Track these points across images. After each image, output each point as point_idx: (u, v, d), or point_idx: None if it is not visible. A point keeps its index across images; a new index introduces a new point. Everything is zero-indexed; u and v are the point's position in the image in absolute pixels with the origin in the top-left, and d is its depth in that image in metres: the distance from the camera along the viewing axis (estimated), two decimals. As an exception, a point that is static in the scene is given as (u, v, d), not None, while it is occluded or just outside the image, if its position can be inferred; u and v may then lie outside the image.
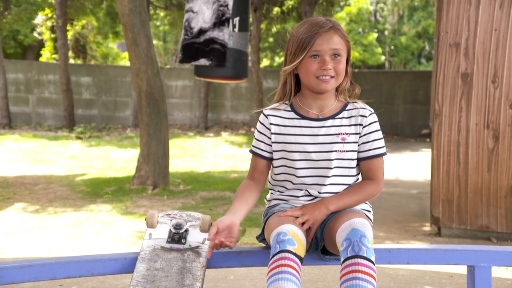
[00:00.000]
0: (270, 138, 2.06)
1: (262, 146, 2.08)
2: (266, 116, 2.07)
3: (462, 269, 3.06)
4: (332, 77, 1.98)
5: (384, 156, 2.05)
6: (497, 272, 3.65)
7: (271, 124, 2.06)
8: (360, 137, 2.02)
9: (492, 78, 4.65)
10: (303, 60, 1.98)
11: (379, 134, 2.04)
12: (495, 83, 4.64)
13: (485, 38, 4.64)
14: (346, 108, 2.04)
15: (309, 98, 2.05)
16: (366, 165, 2.04)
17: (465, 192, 4.80)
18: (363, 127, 2.01)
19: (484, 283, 2.10)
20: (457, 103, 4.77)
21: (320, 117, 2.02)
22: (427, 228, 5.33)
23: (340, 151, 2.00)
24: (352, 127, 2.02)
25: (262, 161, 2.09)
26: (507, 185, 4.68)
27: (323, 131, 2.01)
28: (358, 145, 2.02)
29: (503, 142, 4.67)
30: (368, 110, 2.03)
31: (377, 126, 2.04)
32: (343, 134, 2.01)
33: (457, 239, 4.87)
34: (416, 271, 3.44)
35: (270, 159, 2.09)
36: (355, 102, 2.05)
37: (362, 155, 2.03)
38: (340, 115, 2.03)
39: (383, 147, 2.05)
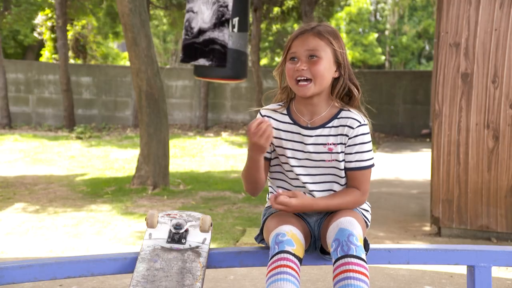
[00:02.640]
0: None
1: None
2: (262, 116, 2.08)
3: (462, 269, 3.06)
4: (309, 79, 1.95)
5: (371, 168, 2.01)
6: (497, 272, 3.65)
7: None
8: (345, 147, 1.99)
9: (492, 78, 4.65)
10: (285, 64, 2.01)
11: (366, 147, 1.99)
12: (495, 83, 4.64)
13: (485, 38, 4.64)
14: (338, 116, 2.00)
15: (301, 104, 2.04)
16: (350, 175, 2.01)
17: (465, 192, 4.80)
18: (349, 138, 1.97)
19: (484, 283, 2.10)
20: (457, 103, 4.77)
21: (309, 125, 2.01)
22: (427, 228, 5.33)
23: (329, 160, 1.99)
24: (339, 137, 1.98)
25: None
26: (507, 185, 4.68)
27: (311, 140, 2.00)
28: (345, 155, 2.00)
29: (503, 142, 4.67)
30: (357, 121, 1.98)
31: (364, 138, 1.98)
32: (330, 144, 1.99)
33: (457, 239, 4.87)
34: (416, 271, 3.43)
35: (268, 159, 2.07)
36: (349, 111, 2.00)
37: (347, 165, 2.00)
38: (330, 124, 1.99)
39: (369, 159, 1.99)
